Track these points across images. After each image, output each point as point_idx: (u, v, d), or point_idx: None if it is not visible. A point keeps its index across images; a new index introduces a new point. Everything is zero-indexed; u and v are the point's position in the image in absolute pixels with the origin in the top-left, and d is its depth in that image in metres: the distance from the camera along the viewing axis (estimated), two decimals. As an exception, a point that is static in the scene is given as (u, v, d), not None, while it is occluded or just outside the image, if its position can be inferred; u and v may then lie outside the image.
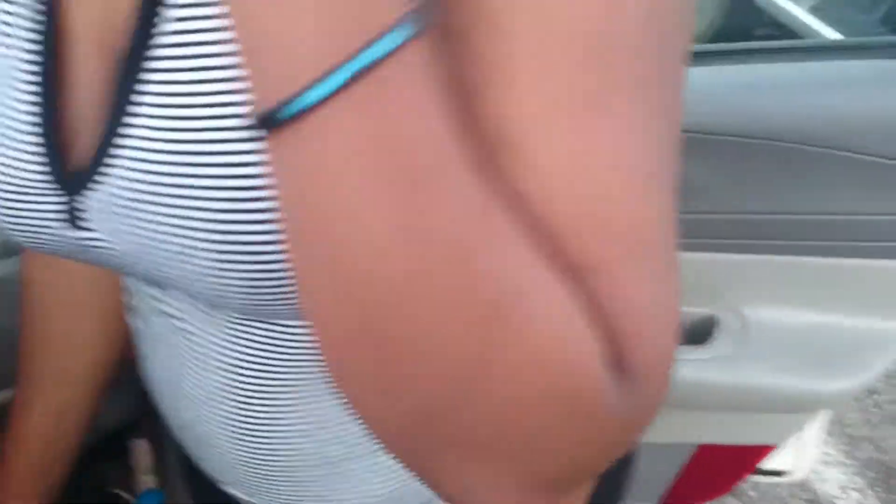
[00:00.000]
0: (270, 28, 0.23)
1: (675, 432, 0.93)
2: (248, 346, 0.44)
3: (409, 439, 0.29)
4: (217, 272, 0.35)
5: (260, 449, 0.48)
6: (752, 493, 1.83)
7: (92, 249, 0.39)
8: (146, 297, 0.48)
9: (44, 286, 0.62)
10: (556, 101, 0.28)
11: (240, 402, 0.46)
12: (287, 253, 0.29)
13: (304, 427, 0.47)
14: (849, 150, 0.84)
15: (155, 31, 0.33)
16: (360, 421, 0.29)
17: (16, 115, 0.38)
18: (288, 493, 0.51)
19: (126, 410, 0.84)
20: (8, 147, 0.38)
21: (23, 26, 0.37)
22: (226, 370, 0.45)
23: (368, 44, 0.23)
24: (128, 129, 0.34)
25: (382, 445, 0.30)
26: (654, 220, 0.29)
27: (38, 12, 0.37)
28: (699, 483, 0.99)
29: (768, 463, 1.86)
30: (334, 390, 0.32)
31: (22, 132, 0.38)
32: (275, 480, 0.50)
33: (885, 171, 0.84)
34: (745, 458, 0.97)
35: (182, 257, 0.35)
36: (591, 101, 0.28)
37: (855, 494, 1.86)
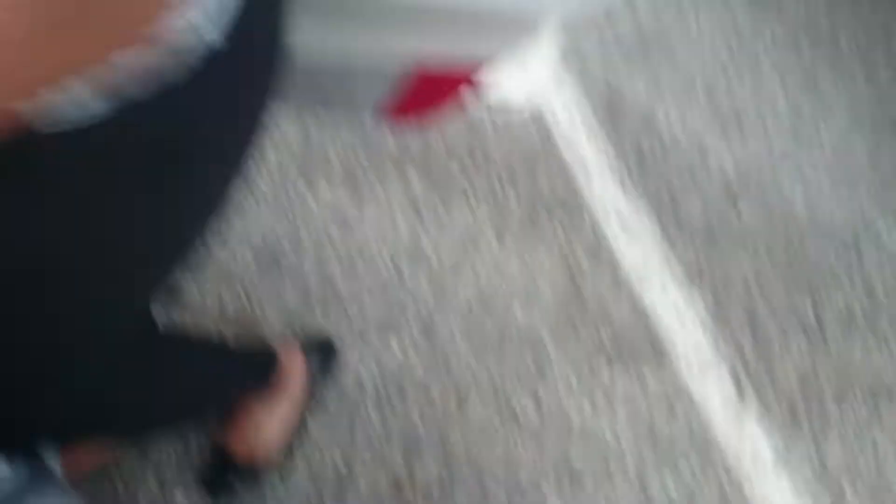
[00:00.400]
0: None
1: (391, 46, 0.85)
2: None
3: None
4: None
5: None
6: (489, 131, 1.88)
7: None
8: None
9: None
10: None
11: None
12: None
13: None
14: None
15: None
16: None
17: None
18: None
19: None
20: None
21: None
22: None
23: None
24: None
25: None
26: None
27: None
28: (419, 98, 0.94)
29: (501, 95, 1.91)
30: None
31: None
32: None
33: None
34: (463, 73, 0.93)
35: None
36: None
37: (582, 125, 1.99)
